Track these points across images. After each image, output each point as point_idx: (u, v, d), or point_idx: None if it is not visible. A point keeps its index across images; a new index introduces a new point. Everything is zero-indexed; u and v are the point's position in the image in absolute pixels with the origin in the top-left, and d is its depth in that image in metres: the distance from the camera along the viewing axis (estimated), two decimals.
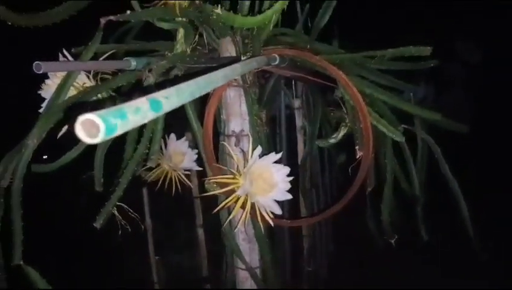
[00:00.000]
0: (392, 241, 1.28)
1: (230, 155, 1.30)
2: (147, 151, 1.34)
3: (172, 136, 1.62)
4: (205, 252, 2.02)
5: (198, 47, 1.45)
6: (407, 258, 2.50)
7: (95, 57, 1.29)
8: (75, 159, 1.31)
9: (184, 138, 1.64)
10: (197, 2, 1.26)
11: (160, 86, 1.17)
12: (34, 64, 1.03)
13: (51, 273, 1.23)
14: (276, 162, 1.24)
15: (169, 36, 1.41)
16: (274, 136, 2.07)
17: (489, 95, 5.08)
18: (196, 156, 1.61)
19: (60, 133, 1.22)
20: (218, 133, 1.46)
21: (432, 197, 1.59)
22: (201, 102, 1.39)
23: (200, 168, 1.59)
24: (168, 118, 1.37)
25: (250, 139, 1.29)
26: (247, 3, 1.39)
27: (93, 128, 0.48)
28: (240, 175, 1.24)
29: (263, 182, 1.24)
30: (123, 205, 1.31)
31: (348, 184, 1.31)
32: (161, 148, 1.58)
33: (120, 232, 1.43)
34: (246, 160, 1.27)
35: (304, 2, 1.81)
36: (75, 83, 1.23)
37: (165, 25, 1.33)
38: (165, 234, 2.49)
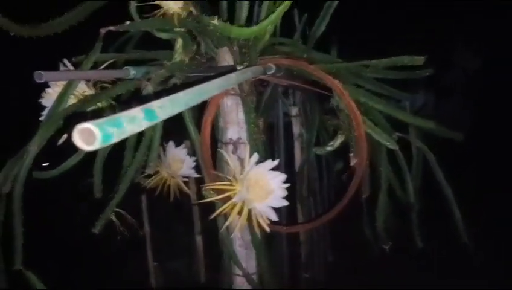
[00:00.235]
0: (386, 247, 1.29)
1: (227, 162, 1.32)
2: (146, 158, 1.37)
3: (171, 143, 1.65)
4: (203, 258, 2.04)
5: (196, 56, 1.47)
6: (403, 264, 2.53)
7: (96, 66, 1.32)
8: (76, 166, 1.33)
9: (183, 145, 1.67)
10: (195, 13, 1.29)
11: (159, 94, 1.20)
12: (34, 73, 1.06)
13: (50, 278, 1.25)
14: (273, 169, 1.26)
15: (170, 45, 1.43)
16: (272, 143, 2.09)
17: (488, 99, 5.10)
18: (194, 163, 1.64)
19: (60, 141, 1.24)
20: (216, 141, 1.48)
21: (428, 204, 1.61)
22: (200, 110, 1.42)
23: (199, 175, 1.61)
24: (167, 125, 1.40)
25: (247, 146, 1.31)
26: (245, 13, 1.42)
27: (90, 137, 0.50)
28: (237, 182, 1.26)
29: (260, 189, 1.26)
30: (122, 211, 1.34)
31: (345, 191, 1.33)
32: (160, 156, 1.60)
33: (119, 238, 1.44)
34: (243, 167, 1.29)
35: (302, 12, 1.84)
36: (75, 92, 1.26)
37: (163, 35, 1.36)
38: (164, 240, 2.51)
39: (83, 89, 1.29)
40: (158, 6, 1.33)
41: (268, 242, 1.44)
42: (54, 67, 1.30)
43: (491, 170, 4.32)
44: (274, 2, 1.42)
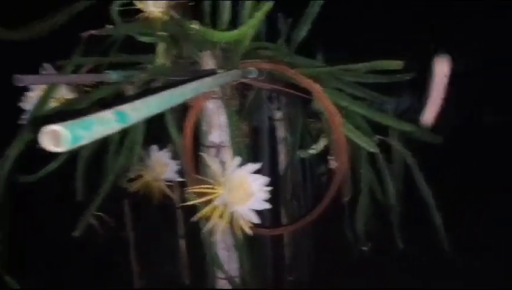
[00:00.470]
0: (365, 249, 1.31)
1: (209, 166, 1.32)
2: (128, 162, 1.37)
3: (154, 147, 1.65)
4: (187, 261, 2.04)
5: (179, 60, 1.48)
6: (385, 265, 2.56)
7: (78, 70, 1.32)
8: (60, 169, 1.33)
9: (166, 149, 1.67)
10: (176, 16, 1.30)
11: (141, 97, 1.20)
12: (14, 77, 1.06)
13: (33, 281, 1.24)
14: (256, 172, 1.27)
15: (154, 48, 1.44)
16: (256, 147, 2.10)
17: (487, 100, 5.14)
18: (178, 167, 1.64)
19: (39, 144, 1.24)
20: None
21: (409, 207, 1.62)
22: (184, 114, 1.42)
23: (182, 179, 1.62)
24: (151, 129, 1.41)
25: (230, 150, 1.32)
26: (227, 15, 1.43)
27: (59, 138, 0.51)
28: (219, 185, 1.27)
29: (241, 192, 1.27)
30: (102, 214, 1.34)
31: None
32: (143, 159, 1.60)
33: (99, 241, 1.44)
34: (224, 170, 1.30)
35: (288, 16, 1.85)
36: (56, 96, 1.26)
37: (146, 39, 1.36)
38: (148, 244, 2.50)
39: (64, 93, 1.29)
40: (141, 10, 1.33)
41: (251, 245, 1.44)
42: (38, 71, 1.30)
43: (474, 173, 4.38)
44: (258, 1, 1.42)
